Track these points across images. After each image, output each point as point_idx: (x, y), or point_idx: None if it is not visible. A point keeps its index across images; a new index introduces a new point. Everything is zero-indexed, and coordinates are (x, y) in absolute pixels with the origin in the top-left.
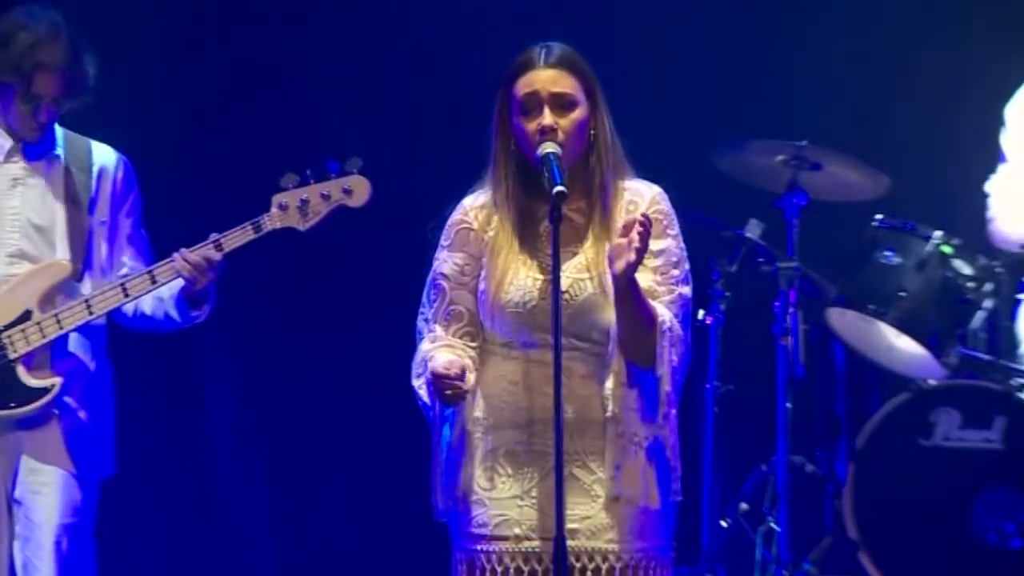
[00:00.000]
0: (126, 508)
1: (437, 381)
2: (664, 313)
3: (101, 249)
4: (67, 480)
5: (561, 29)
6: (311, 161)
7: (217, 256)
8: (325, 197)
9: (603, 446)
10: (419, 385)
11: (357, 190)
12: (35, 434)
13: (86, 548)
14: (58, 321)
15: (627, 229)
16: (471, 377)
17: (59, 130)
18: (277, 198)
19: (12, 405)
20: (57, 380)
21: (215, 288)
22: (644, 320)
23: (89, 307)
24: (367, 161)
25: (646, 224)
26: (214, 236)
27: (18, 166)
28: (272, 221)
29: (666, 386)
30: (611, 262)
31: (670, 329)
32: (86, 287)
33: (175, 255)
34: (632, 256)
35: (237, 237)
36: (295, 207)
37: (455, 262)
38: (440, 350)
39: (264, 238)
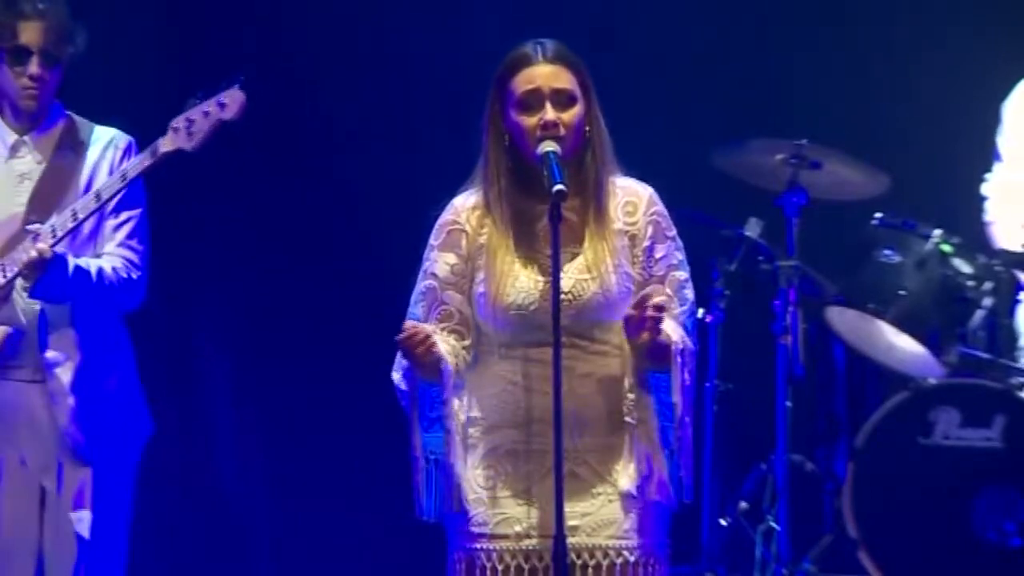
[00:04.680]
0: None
1: (406, 341)
2: (676, 333)
3: (95, 225)
4: (99, 474)
5: (561, 27)
6: (207, 82)
7: (48, 254)
8: (206, 115)
9: (608, 443)
10: (397, 378)
11: (230, 102)
12: (71, 426)
13: (116, 541)
14: (2, 269)
15: (643, 300)
16: (444, 347)
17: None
18: (172, 122)
19: None
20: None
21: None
22: (661, 355)
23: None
24: (365, 156)
25: (659, 316)
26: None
27: (24, 161)
28: (165, 144)
29: (679, 411)
30: (627, 327)
31: (683, 351)
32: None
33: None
34: (647, 337)
35: (138, 165)
36: (183, 128)
37: (445, 262)
38: None
39: (163, 162)
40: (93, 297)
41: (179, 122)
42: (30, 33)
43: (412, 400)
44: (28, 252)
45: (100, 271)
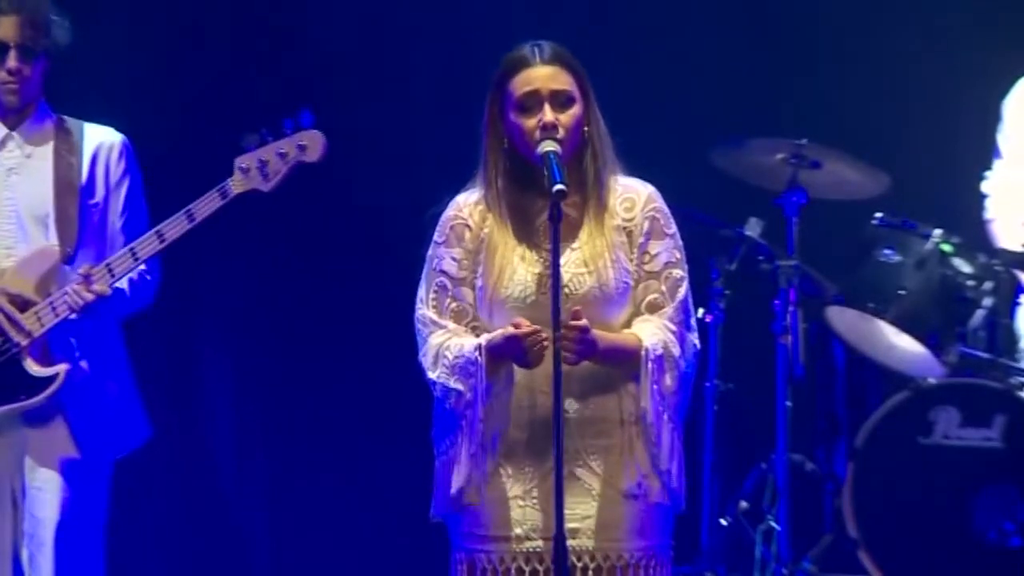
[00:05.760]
0: (124, 501)
1: (525, 340)
2: (653, 339)
3: (96, 232)
4: (70, 476)
5: (562, 27)
6: (266, 119)
7: (99, 294)
8: (282, 156)
9: (609, 444)
10: (439, 375)
11: (312, 145)
12: (40, 429)
13: (90, 543)
14: (53, 308)
15: (569, 322)
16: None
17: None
18: (239, 161)
19: (22, 398)
20: (63, 367)
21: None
22: (626, 359)
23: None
24: (365, 156)
25: (582, 330)
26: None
27: (12, 156)
28: (236, 185)
29: (650, 417)
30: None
31: (661, 356)
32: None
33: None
34: (570, 356)
35: (206, 205)
36: (256, 169)
37: (453, 257)
38: (457, 338)
39: (233, 203)
40: (126, 309)
41: (248, 162)
42: (5, 28)
43: (469, 402)
44: (83, 295)
45: (131, 282)
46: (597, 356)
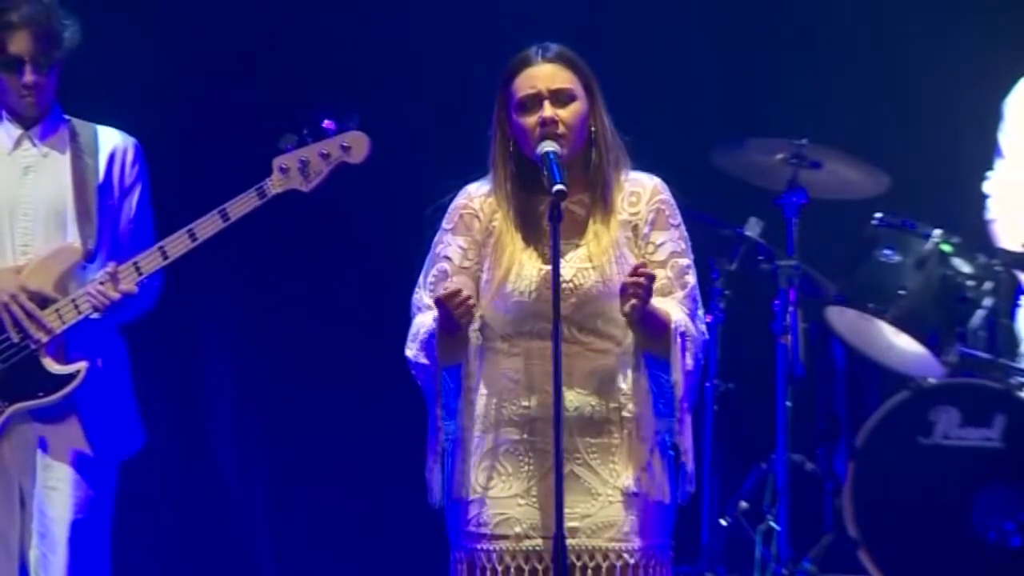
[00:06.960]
0: (126, 504)
1: (446, 302)
2: (678, 315)
3: (111, 232)
4: (83, 475)
5: (563, 26)
6: (307, 120)
7: (120, 294)
8: (324, 156)
9: (609, 443)
10: (413, 353)
11: (356, 146)
12: (53, 428)
13: (101, 543)
14: (76, 306)
15: (638, 268)
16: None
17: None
18: (277, 161)
19: (40, 395)
20: (83, 365)
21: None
22: (658, 330)
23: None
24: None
25: (649, 277)
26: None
27: (29, 154)
28: (275, 185)
29: (679, 391)
30: (622, 296)
31: (684, 333)
32: (97, 271)
33: (95, 287)
34: (636, 303)
35: (243, 204)
36: (296, 169)
37: (459, 245)
38: (432, 314)
39: (271, 203)
40: (135, 311)
41: (288, 162)
42: (19, 43)
43: (432, 374)
44: (108, 294)
45: (142, 284)
46: (645, 315)
